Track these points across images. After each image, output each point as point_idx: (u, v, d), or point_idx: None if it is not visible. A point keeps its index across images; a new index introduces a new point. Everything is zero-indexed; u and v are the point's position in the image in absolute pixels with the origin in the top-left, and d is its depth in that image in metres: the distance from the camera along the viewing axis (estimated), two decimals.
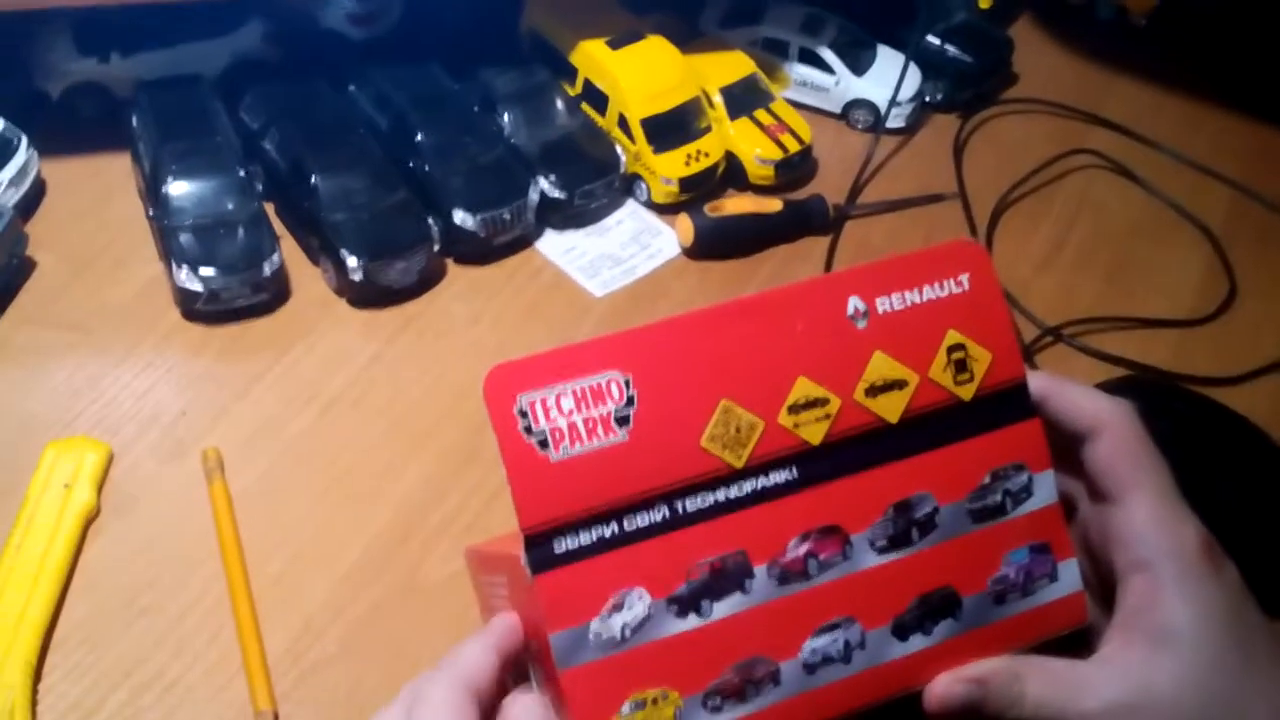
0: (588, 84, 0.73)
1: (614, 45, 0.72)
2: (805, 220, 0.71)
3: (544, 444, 0.32)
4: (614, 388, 0.33)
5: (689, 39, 0.76)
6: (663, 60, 0.72)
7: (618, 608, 0.33)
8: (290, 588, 0.53)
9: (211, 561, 0.53)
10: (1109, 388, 0.61)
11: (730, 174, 0.73)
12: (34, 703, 0.47)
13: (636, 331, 0.34)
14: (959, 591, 0.36)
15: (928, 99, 0.80)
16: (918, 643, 0.35)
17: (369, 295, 0.64)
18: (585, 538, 0.32)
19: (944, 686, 0.35)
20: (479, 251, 0.67)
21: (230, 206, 0.63)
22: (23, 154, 0.67)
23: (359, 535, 0.55)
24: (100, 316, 0.64)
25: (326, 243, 0.64)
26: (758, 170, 0.72)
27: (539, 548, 0.32)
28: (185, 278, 0.61)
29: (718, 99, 0.73)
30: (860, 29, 0.80)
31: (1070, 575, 0.37)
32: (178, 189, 0.63)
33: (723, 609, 0.33)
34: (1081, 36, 0.88)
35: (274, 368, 0.62)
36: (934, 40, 0.80)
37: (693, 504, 0.34)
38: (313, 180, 0.64)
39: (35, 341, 0.62)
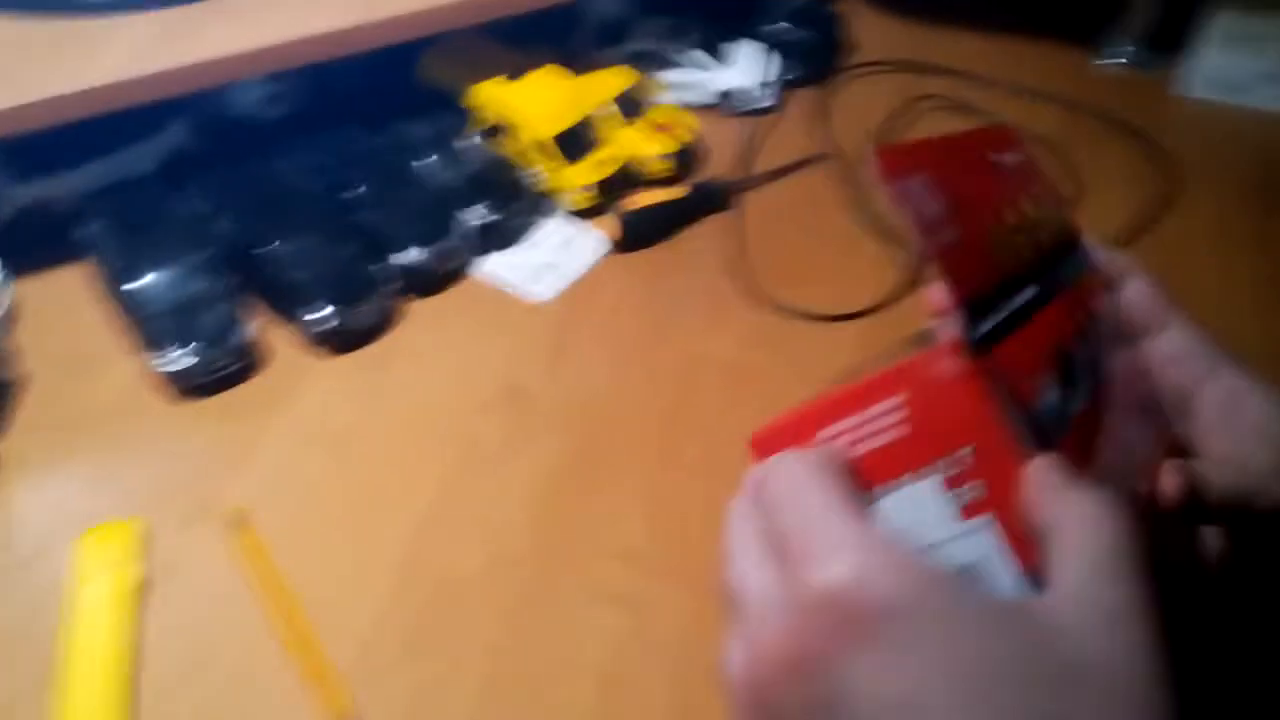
0: (494, 117, 0.80)
1: (510, 79, 0.80)
2: (711, 201, 0.80)
3: (936, 225, 0.32)
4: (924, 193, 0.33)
5: (569, 63, 0.84)
6: (557, 84, 0.80)
7: (1054, 379, 0.32)
8: (341, 612, 0.57)
9: (263, 606, 0.58)
10: None
11: (636, 173, 0.81)
12: None
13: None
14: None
15: (787, 78, 0.90)
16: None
17: (343, 341, 0.70)
18: (996, 315, 0.32)
19: (1169, 476, 0.35)
20: (433, 283, 0.74)
21: (199, 287, 0.68)
22: None
23: (391, 551, 0.60)
24: (97, 412, 0.68)
25: (297, 300, 0.69)
26: (658, 165, 0.81)
27: (973, 323, 0.31)
28: (170, 360, 0.66)
29: (611, 109, 0.81)
30: (715, 27, 0.90)
31: None
32: (146, 280, 0.68)
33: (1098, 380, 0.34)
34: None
35: (272, 424, 0.67)
36: (780, 26, 0.91)
37: (1027, 294, 0.34)
38: (271, 248, 0.70)
39: (41, 446, 0.66)
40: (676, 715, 0.53)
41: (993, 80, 0.90)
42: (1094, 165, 0.83)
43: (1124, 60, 0.91)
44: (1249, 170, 0.82)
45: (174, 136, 0.77)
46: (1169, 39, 0.90)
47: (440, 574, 0.60)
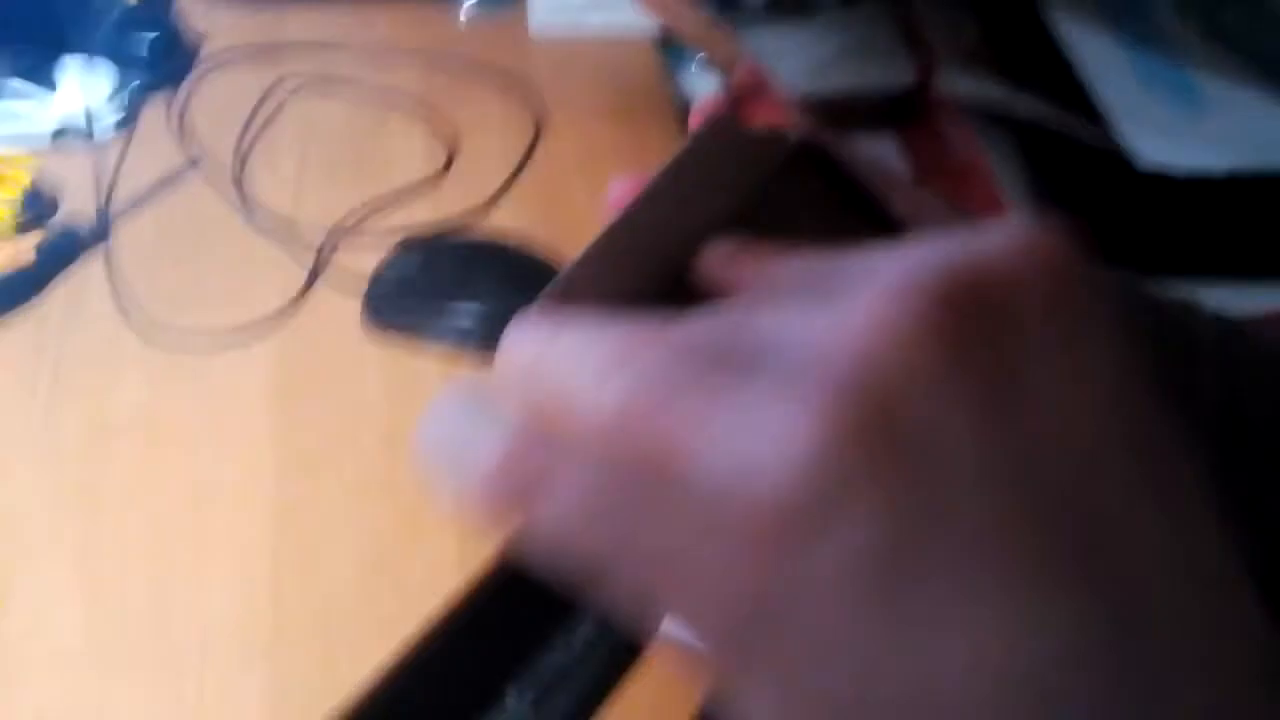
0: None
1: None
2: (73, 245, 0.71)
3: None
4: None
5: None
6: None
7: None
8: None
9: None
10: (401, 247, 0.72)
11: None
12: None
13: None
14: None
15: (133, 88, 0.83)
16: None
17: None
18: None
19: None
20: None
21: None
22: None
23: None
24: None
25: None
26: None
27: None
28: None
29: None
30: (33, 50, 0.79)
31: None
32: None
33: None
34: None
35: None
36: (113, 34, 0.82)
37: None
38: None
39: None
40: None
41: (357, 47, 0.90)
42: (468, 113, 0.85)
43: (478, 7, 0.95)
44: (602, 93, 0.89)
45: None
46: None
47: None
